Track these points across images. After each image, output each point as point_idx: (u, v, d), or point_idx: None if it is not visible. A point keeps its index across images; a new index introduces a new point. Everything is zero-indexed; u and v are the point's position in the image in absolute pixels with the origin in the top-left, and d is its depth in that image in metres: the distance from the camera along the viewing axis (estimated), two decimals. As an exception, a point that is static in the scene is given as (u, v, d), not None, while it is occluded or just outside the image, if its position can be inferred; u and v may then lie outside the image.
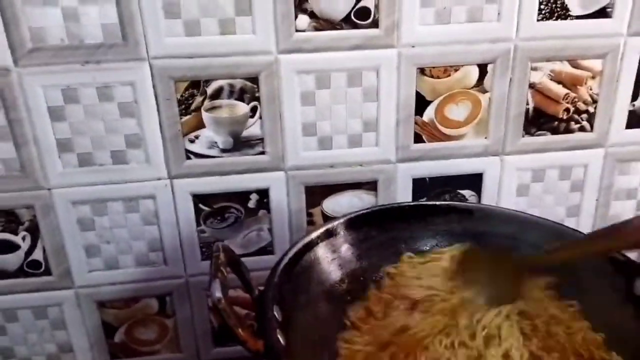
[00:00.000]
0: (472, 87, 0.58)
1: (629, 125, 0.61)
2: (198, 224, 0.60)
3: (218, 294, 0.32)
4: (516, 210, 0.52)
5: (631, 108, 0.61)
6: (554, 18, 0.55)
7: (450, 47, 0.55)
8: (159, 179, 0.57)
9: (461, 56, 0.56)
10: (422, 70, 0.56)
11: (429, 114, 0.58)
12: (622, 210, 0.66)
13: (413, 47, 0.55)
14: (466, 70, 0.57)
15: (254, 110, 0.56)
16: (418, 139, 0.59)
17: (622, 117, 0.61)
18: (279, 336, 0.35)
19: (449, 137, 0.60)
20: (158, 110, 0.54)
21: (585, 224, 0.65)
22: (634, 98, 0.60)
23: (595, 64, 0.58)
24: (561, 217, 0.65)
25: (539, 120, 0.60)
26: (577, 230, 0.48)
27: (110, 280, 0.61)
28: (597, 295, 0.44)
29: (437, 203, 0.53)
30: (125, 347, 0.65)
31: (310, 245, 0.47)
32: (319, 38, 0.53)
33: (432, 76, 0.57)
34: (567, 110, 0.60)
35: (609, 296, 0.43)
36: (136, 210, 0.59)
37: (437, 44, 0.55)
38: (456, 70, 0.57)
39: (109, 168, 0.56)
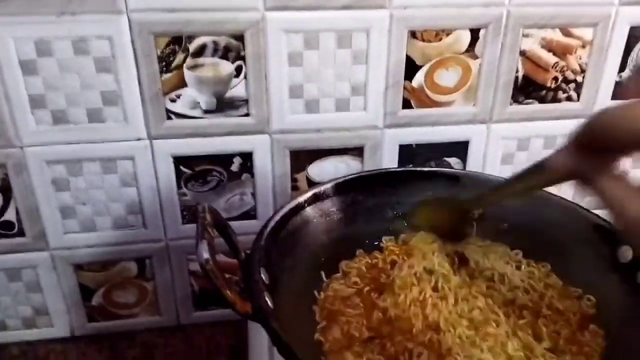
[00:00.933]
0: (463, 53, 0.57)
1: (615, 97, 0.61)
2: (179, 187, 0.59)
3: (206, 255, 0.31)
4: (502, 177, 0.51)
5: (618, 79, 0.61)
6: (548, -16, 0.54)
7: (443, 10, 0.54)
8: (138, 139, 0.55)
9: (453, 20, 0.55)
10: (413, 34, 0.55)
11: (418, 79, 0.57)
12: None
13: (405, 8, 0.53)
14: (458, 34, 0.56)
15: (238, 70, 0.54)
16: (406, 104, 0.58)
17: (608, 88, 0.61)
18: (266, 298, 0.34)
19: (437, 104, 0.59)
20: (137, 66, 0.52)
21: (567, 194, 0.66)
22: (621, 69, 0.60)
23: (586, 33, 0.58)
24: (543, 186, 0.65)
25: (528, 89, 0.60)
26: (558, 196, 0.49)
27: (87, 242, 0.59)
28: (581, 263, 0.44)
29: (425, 169, 0.52)
30: (103, 310, 0.64)
31: (298, 209, 0.46)
32: (309, -5, 0.51)
33: (423, 40, 0.55)
34: (555, 79, 0.59)
35: (594, 264, 0.43)
36: (114, 172, 0.56)
37: (430, 6, 0.54)
38: (448, 35, 0.55)
39: (84, 127, 0.54)
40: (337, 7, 0.52)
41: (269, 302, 0.35)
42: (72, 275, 0.61)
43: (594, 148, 0.27)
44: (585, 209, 0.46)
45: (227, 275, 0.61)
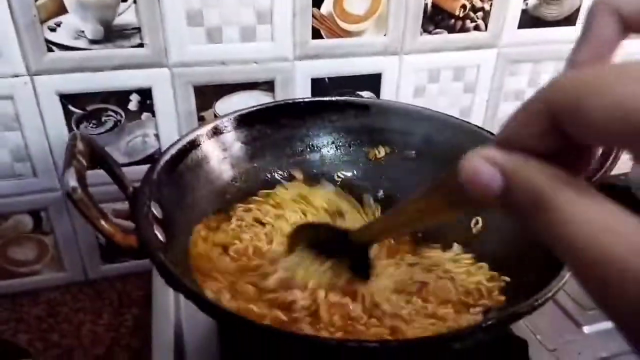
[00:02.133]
0: (371, -23, 0.54)
1: (521, 25, 0.62)
2: (70, 129, 0.53)
3: (73, 182, 0.27)
4: (411, 105, 0.51)
5: (524, 7, 0.61)
6: None
7: None
8: (16, 75, 0.49)
9: (360, -59, 0.52)
10: (319, -45, 0.51)
11: (327, 6, 0.54)
12: (510, 111, 0.68)
13: None
14: (365, -43, 0.53)
15: (127, -7, 0.48)
16: (316, 35, 0.56)
17: (515, 17, 0.61)
18: (156, 232, 0.32)
19: (348, 33, 0.56)
20: (5, -12, 0.45)
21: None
22: (527, -4, 0.61)
23: (493, -43, 0.57)
24: (455, 119, 0.66)
25: (437, 17, 0.59)
26: (465, 121, 0.49)
27: (-31, 195, 0.53)
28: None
29: (333, 99, 0.50)
30: (-2, 269, 0.59)
31: (197, 143, 0.43)
32: None
33: (329, -38, 0.52)
34: (464, 7, 0.59)
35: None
36: (-8, 114, 0.50)
37: None
38: (355, -43, 0.52)
39: (-50, 62, 0.47)
40: None
41: (159, 236, 0.32)
42: (-44, 233, 0.55)
43: (544, 139, 0.17)
44: (487, 131, 0.47)
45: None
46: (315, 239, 0.38)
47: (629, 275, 0.13)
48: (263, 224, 0.44)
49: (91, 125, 0.54)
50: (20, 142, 0.52)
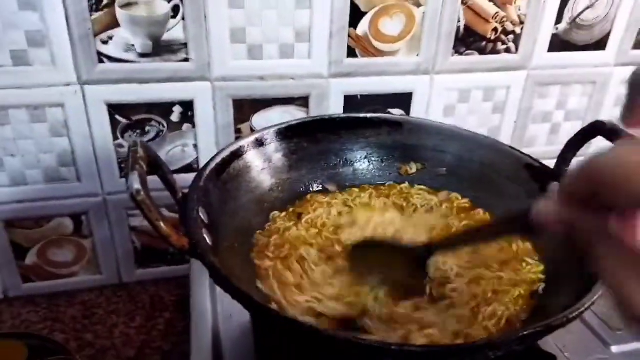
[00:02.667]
0: (407, 0, 0.56)
1: (551, 49, 0.63)
2: (115, 138, 0.56)
3: (137, 185, 0.29)
4: (442, 123, 0.52)
5: (554, 31, 0.63)
6: None
7: (387, -46, 0.53)
8: (68, 84, 0.52)
9: (397, -35, 0.54)
10: (357, -22, 0.54)
11: (363, 27, 0.57)
12: (537, 133, 0.70)
13: (349, -49, 0.52)
14: (402, -20, 0.55)
15: (175, 10, 0.51)
16: (351, 53, 0.58)
17: (545, 40, 0.63)
18: (205, 235, 0.34)
19: (382, 53, 0.59)
20: (64, 3, 0.48)
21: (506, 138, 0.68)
22: (557, 21, 0.62)
23: (525, -17, 0.59)
24: (483, 138, 0.67)
25: (469, 40, 0.60)
26: (496, 141, 0.50)
27: (17, 197, 0.56)
28: (511, 201, 0.46)
29: (368, 115, 0.52)
30: (38, 270, 0.61)
31: (240, 153, 0.45)
32: None
33: (367, -15, 0.54)
34: (495, 30, 0.60)
35: (524, 202, 0.45)
36: (43, 120, 0.53)
37: (374, -50, 0.53)
38: (392, -20, 0.55)
39: (9, 70, 0.50)
40: (278, -53, 0.50)
41: (207, 239, 0.34)
42: (3, 233, 0.57)
43: (589, 201, 0.21)
44: (517, 150, 0.48)
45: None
46: (375, 256, 0.40)
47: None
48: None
49: (135, 134, 0.56)
50: (67, 147, 0.55)
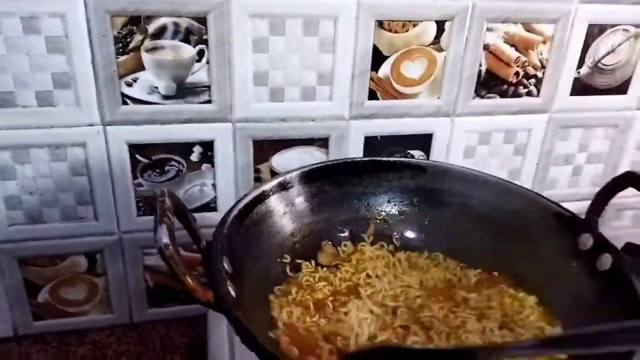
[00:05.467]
0: (429, 45, 0.57)
1: (573, 92, 0.63)
2: (134, 177, 0.56)
3: (165, 239, 0.29)
4: (466, 168, 0.52)
5: (576, 75, 0.62)
6: (511, -21, 0.55)
7: (410, 0, 0.54)
8: (91, 124, 0.52)
9: (420, 11, 0.54)
10: (380, 24, 0.54)
11: (384, 70, 0.57)
12: (559, 175, 0.69)
13: (372, -3, 0.53)
14: (424, 26, 0.55)
15: (200, 54, 0.51)
16: (372, 95, 0.58)
17: (567, 84, 0.63)
18: (229, 287, 0.33)
19: (403, 95, 0.58)
20: (91, 47, 0.49)
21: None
22: (579, 65, 0.62)
23: (547, 29, 0.59)
24: (503, 180, 0.66)
25: (490, 83, 0.60)
26: (523, 187, 0.49)
27: (34, 235, 0.55)
28: (543, 251, 0.45)
29: (391, 159, 0.52)
30: (50, 308, 0.60)
31: (263, 197, 0.44)
32: (275, -22, 0.50)
33: (390, 30, 0.55)
34: (517, 74, 0.60)
35: (555, 251, 0.44)
36: (63, 159, 0.53)
37: (397, -4, 0.53)
38: (415, 26, 0.55)
39: (33, 110, 0.50)
40: (304, -7, 0.51)
41: (231, 291, 0.33)
42: (17, 270, 0.57)
43: None
44: (546, 198, 0.47)
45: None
46: None
47: None
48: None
49: (155, 173, 0.56)
50: (86, 186, 0.55)
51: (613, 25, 0.61)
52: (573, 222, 0.44)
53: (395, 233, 0.51)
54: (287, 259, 0.45)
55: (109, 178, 0.55)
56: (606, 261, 0.40)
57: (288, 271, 0.45)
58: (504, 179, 0.50)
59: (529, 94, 0.62)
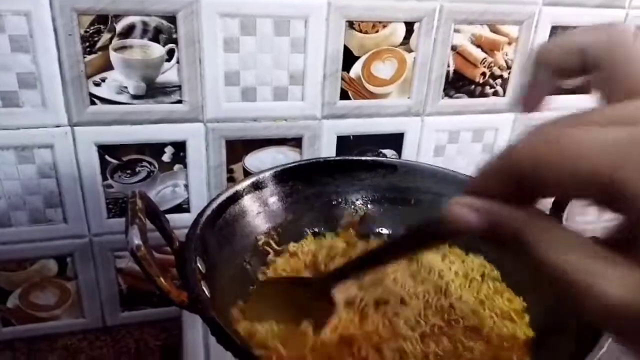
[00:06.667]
0: (398, 45, 0.58)
1: (537, 92, 0.65)
2: (104, 178, 0.55)
3: (137, 241, 0.29)
4: (436, 166, 0.53)
5: (540, 75, 0.64)
6: (478, -19, 0.57)
7: (380, 1, 0.54)
8: (58, 125, 0.51)
9: (389, 12, 0.55)
10: (351, 25, 0.55)
11: (356, 70, 0.57)
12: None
13: (342, -2, 0.53)
14: (393, 27, 0.56)
15: (170, 53, 0.51)
16: (344, 95, 0.58)
17: (531, 84, 0.64)
18: (203, 287, 0.33)
19: (374, 95, 0.59)
20: (57, 46, 0.48)
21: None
22: (543, 66, 0.64)
23: (512, 30, 0.61)
24: (472, 178, 0.68)
25: (458, 83, 0.62)
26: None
27: (1, 239, 0.54)
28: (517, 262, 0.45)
29: (363, 158, 0.52)
30: (19, 313, 0.59)
31: (236, 197, 0.44)
32: (245, -21, 0.50)
33: (360, 31, 0.55)
34: (483, 74, 0.62)
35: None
36: (31, 161, 0.52)
37: (366, -2, 0.54)
38: (384, 27, 0.56)
39: (-3, 111, 0.49)
40: (274, -7, 0.51)
41: (206, 292, 0.33)
42: (-18, 276, 0.55)
43: (511, 193, 0.20)
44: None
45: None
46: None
47: (597, 280, 0.17)
48: None
49: (125, 175, 0.55)
50: (54, 189, 0.54)
51: (575, 27, 0.63)
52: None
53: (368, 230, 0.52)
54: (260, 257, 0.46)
55: (77, 180, 0.54)
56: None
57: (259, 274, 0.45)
58: (472, 176, 0.52)
59: (495, 94, 0.64)
